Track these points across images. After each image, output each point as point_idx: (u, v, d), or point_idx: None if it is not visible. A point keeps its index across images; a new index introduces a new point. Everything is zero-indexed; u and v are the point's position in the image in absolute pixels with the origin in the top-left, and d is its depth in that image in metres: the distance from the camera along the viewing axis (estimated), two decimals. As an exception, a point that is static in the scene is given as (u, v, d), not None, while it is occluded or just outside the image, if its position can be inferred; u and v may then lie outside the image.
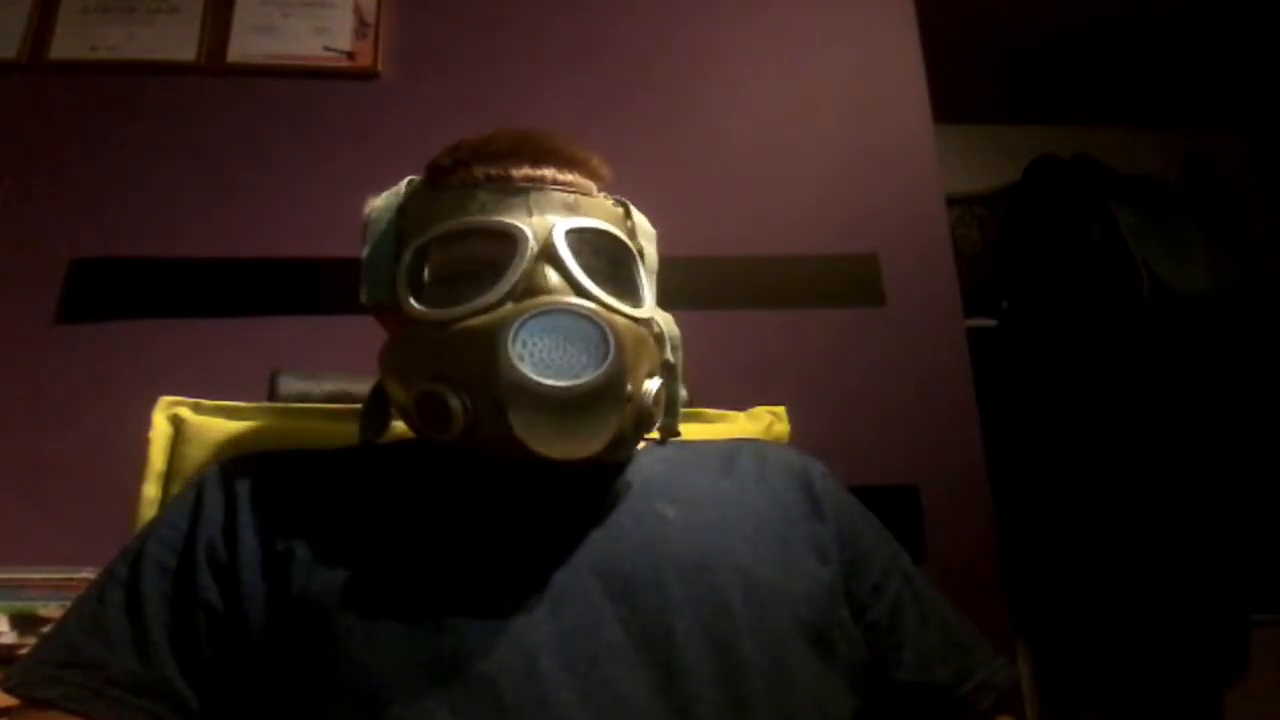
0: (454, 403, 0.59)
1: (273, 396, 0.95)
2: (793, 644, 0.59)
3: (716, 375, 1.13)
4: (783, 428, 0.97)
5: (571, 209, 0.67)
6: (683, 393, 0.98)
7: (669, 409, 0.76)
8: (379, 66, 1.63)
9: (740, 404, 0.99)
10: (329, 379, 0.98)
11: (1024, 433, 2.00)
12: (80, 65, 1.59)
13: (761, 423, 0.97)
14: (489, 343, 0.58)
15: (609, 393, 0.59)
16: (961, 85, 2.02)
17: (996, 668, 0.67)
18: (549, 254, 0.63)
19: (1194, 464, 1.85)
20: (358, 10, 1.67)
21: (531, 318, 0.58)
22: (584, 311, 0.59)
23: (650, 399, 0.64)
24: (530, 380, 0.57)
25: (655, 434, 0.77)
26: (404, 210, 0.70)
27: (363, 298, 0.68)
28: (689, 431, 0.84)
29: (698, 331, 0.97)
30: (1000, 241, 2.40)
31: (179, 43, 1.62)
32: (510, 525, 0.61)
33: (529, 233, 0.63)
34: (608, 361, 0.58)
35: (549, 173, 0.67)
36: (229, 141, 1.57)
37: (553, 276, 0.62)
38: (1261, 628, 1.84)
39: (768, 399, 1.00)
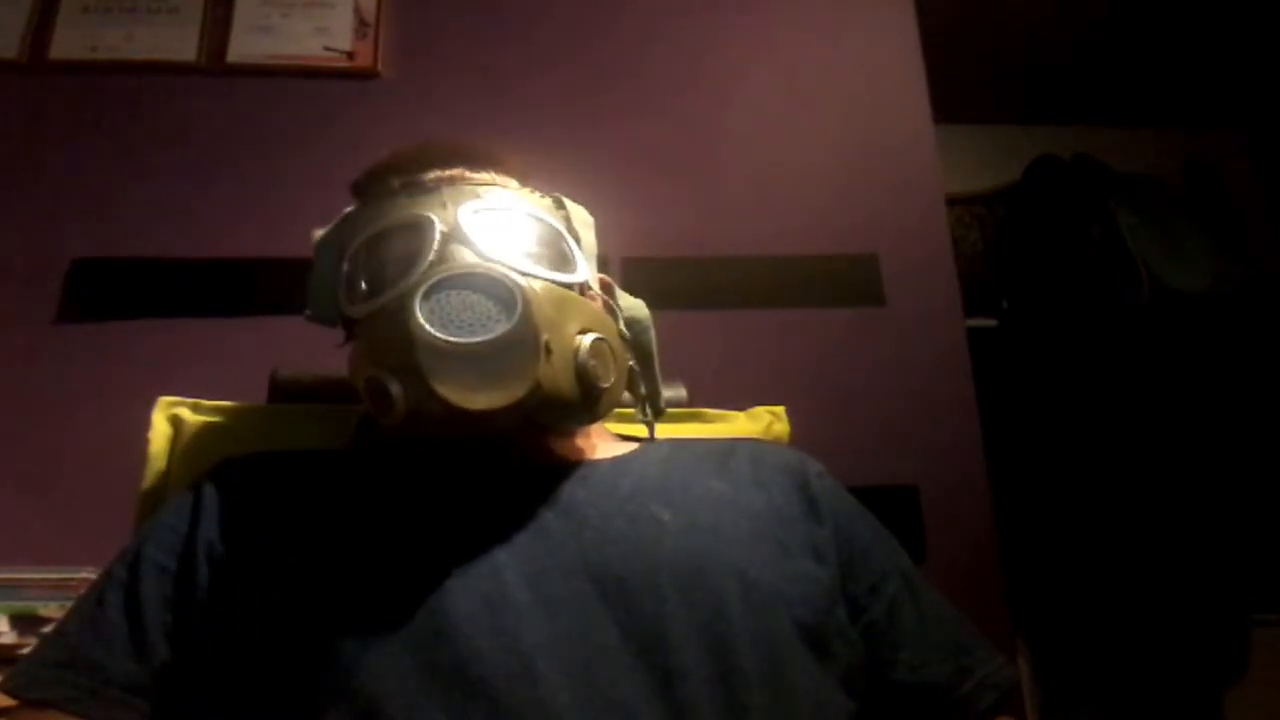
0: (392, 385, 0.60)
1: (273, 396, 0.96)
2: (789, 646, 0.59)
3: (716, 375, 1.13)
4: (782, 428, 0.97)
5: (483, 200, 0.69)
6: (681, 391, 0.98)
7: (649, 393, 0.78)
8: (379, 66, 1.63)
9: (740, 404, 0.99)
10: (329, 379, 0.98)
11: (1024, 433, 2.00)
12: (80, 65, 1.59)
13: (761, 423, 0.97)
14: (399, 321, 0.60)
15: (522, 342, 0.60)
16: (961, 85, 2.02)
17: (996, 667, 0.67)
18: (458, 234, 0.65)
19: (1194, 464, 1.85)
20: (358, 10, 1.67)
21: (436, 281, 0.61)
22: (488, 272, 0.61)
23: (585, 351, 0.64)
24: (439, 339, 0.59)
25: (643, 430, 0.77)
26: (339, 231, 0.73)
27: (306, 310, 0.73)
28: (689, 431, 0.84)
29: (698, 331, 0.97)
30: (1000, 241, 2.40)
31: (179, 43, 1.62)
32: (505, 529, 0.61)
33: (435, 219, 0.65)
34: (515, 316, 0.60)
35: (460, 171, 0.71)
36: (229, 141, 1.57)
37: (464, 253, 0.64)
38: (1261, 628, 1.84)
39: (768, 399, 0.99)
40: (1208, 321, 1.93)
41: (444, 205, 0.67)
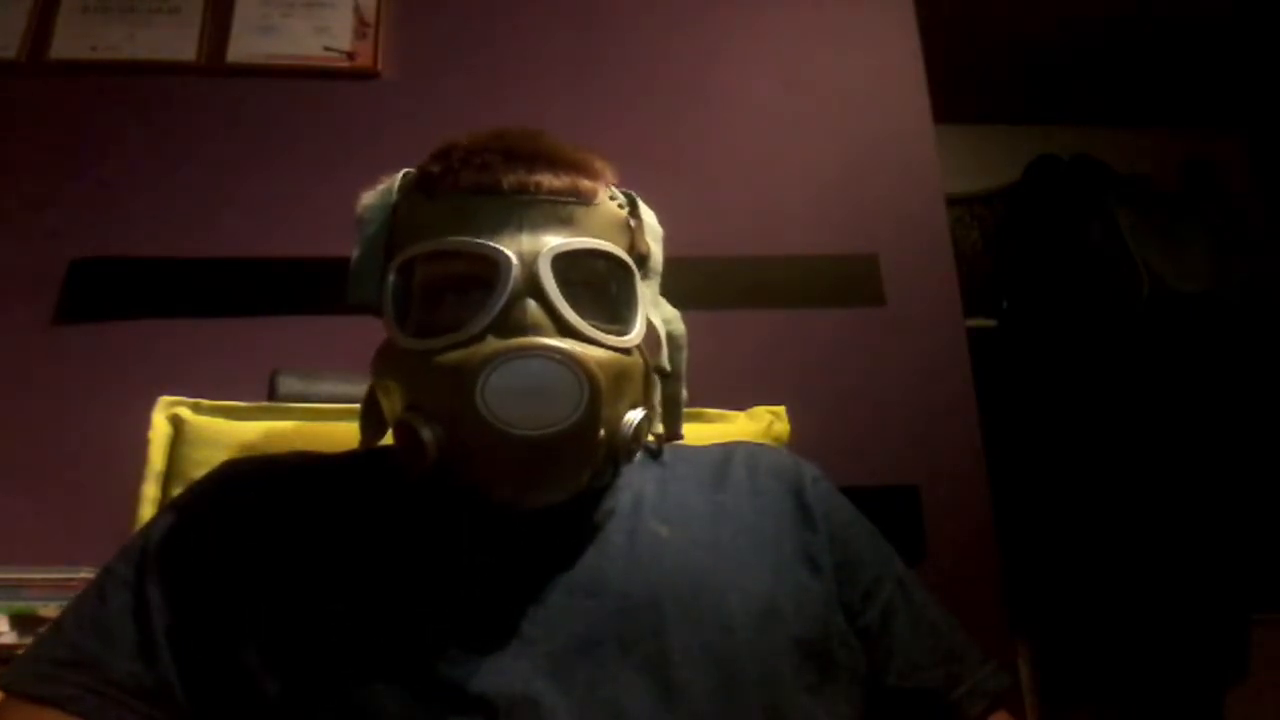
0: (427, 436, 0.58)
1: (273, 396, 0.96)
2: (789, 659, 0.59)
3: (716, 375, 1.13)
4: (782, 427, 0.97)
5: (565, 223, 0.63)
6: (683, 394, 0.98)
7: (670, 413, 0.75)
8: (379, 66, 1.63)
9: (740, 404, 0.99)
10: (329, 379, 0.98)
11: (1024, 433, 2.00)
12: (80, 65, 1.59)
13: (761, 423, 0.97)
14: (460, 386, 0.56)
15: (579, 442, 0.57)
16: (961, 85, 2.02)
17: (986, 674, 0.67)
18: (532, 284, 0.60)
19: (1194, 463, 1.85)
20: (358, 10, 1.67)
21: (503, 363, 0.56)
22: (559, 356, 0.57)
23: (629, 432, 0.62)
24: (497, 429, 0.55)
25: (650, 437, 0.76)
26: (395, 214, 0.67)
27: (348, 298, 0.67)
28: (689, 432, 0.84)
29: (698, 331, 0.97)
30: (1000, 241, 2.40)
31: (179, 43, 1.62)
32: (504, 545, 0.61)
33: (513, 258, 0.60)
34: (580, 410, 0.56)
35: (543, 180, 0.63)
36: (229, 141, 1.57)
37: (534, 310, 0.59)
38: (1261, 627, 1.84)
39: (768, 399, 1.00)
40: (1208, 321, 1.93)
41: (520, 229, 0.62)
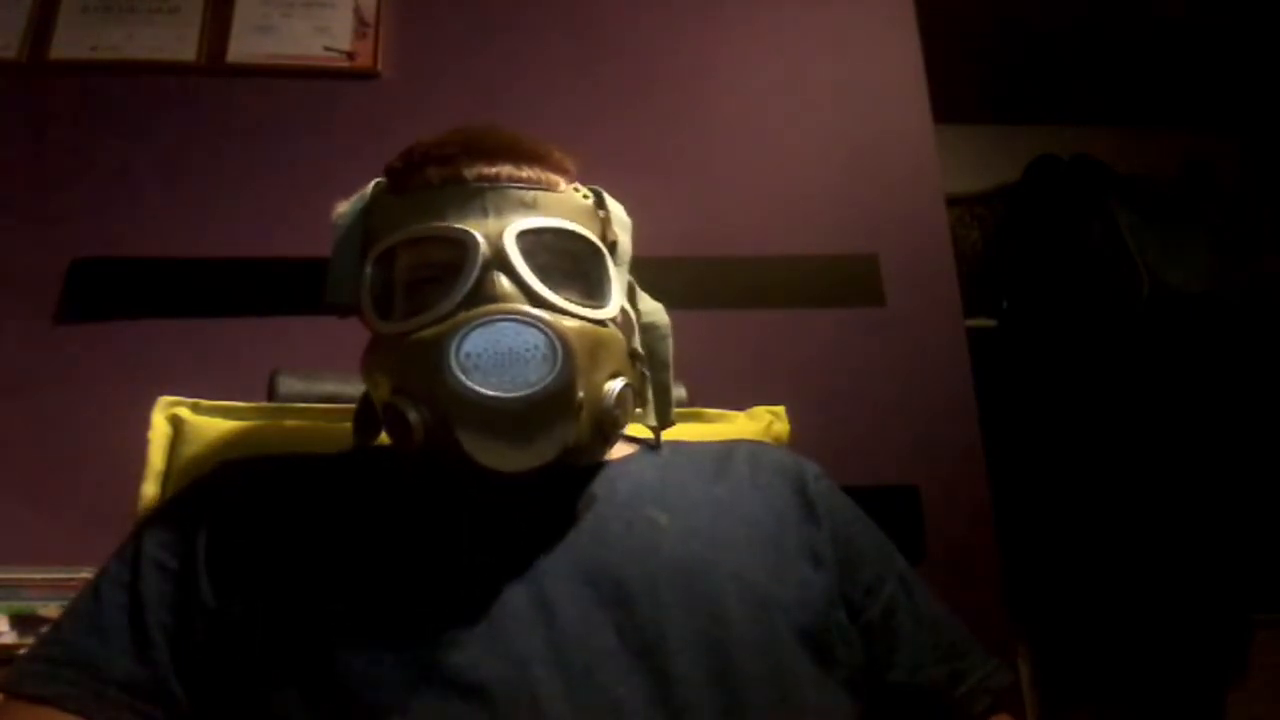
0: (412, 416, 0.59)
1: (272, 396, 0.96)
2: (789, 651, 0.59)
3: (716, 375, 1.13)
4: (782, 427, 0.97)
5: (530, 207, 0.65)
6: (681, 391, 0.98)
7: (658, 400, 0.75)
8: (379, 66, 1.63)
9: (740, 404, 0.99)
10: (329, 379, 0.98)
11: (1024, 433, 2.00)
12: (80, 65, 1.59)
13: (761, 422, 0.97)
14: (433, 358, 0.57)
15: (557, 402, 0.57)
16: (961, 85, 2.02)
17: (989, 671, 0.67)
18: (500, 259, 0.62)
19: (1194, 464, 1.85)
20: (358, 10, 1.67)
21: (474, 328, 0.57)
22: (529, 319, 0.58)
23: (611, 400, 0.62)
24: (474, 393, 0.56)
25: (647, 432, 0.76)
26: (368, 215, 0.69)
27: (326, 298, 0.68)
28: (688, 432, 0.84)
29: (698, 331, 0.97)
30: (1000, 241, 2.40)
31: (179, 43, 1.62)
32: (501, 533, 0.61)
33: (479, 238, 0.62)
34: (555, 371, 0.57)
35: (505, 170, 0.66)
36: (229, 141, 1.57)
37: (504, 283, 0.61)
38: (1262, 627, 1.85)
39: (767, 399, 1.00)
40: (1208, 321, 1.93)
41: (485, 213, 0.63)
